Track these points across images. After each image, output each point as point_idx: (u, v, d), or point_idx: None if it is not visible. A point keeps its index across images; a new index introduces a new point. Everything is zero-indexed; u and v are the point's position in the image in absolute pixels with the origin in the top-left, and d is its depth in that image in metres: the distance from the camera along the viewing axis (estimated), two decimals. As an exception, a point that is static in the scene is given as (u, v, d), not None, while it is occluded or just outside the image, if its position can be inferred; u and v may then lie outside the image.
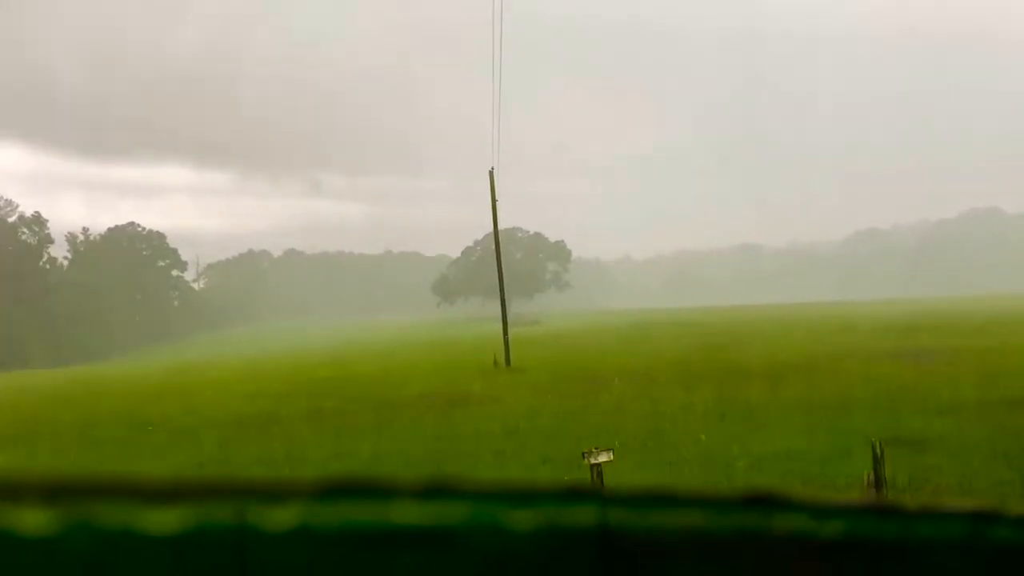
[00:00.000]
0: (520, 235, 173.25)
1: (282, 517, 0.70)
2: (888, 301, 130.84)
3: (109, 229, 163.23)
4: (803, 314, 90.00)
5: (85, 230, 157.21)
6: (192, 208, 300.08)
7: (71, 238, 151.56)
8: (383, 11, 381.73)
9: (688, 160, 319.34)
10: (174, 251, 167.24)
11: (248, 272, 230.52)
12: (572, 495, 0.71)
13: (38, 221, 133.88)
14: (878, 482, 8.45)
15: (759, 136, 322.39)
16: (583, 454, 8.28)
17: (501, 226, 41.73)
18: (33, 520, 0.69)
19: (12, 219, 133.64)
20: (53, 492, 0.70)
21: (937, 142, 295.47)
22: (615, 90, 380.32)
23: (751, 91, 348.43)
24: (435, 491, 0.70)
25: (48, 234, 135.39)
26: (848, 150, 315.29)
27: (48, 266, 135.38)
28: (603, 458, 8.10)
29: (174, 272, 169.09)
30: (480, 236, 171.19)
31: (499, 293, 41.55)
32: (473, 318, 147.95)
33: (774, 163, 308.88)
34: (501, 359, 37.64)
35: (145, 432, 21.27)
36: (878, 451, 8.45)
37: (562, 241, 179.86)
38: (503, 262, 42.07)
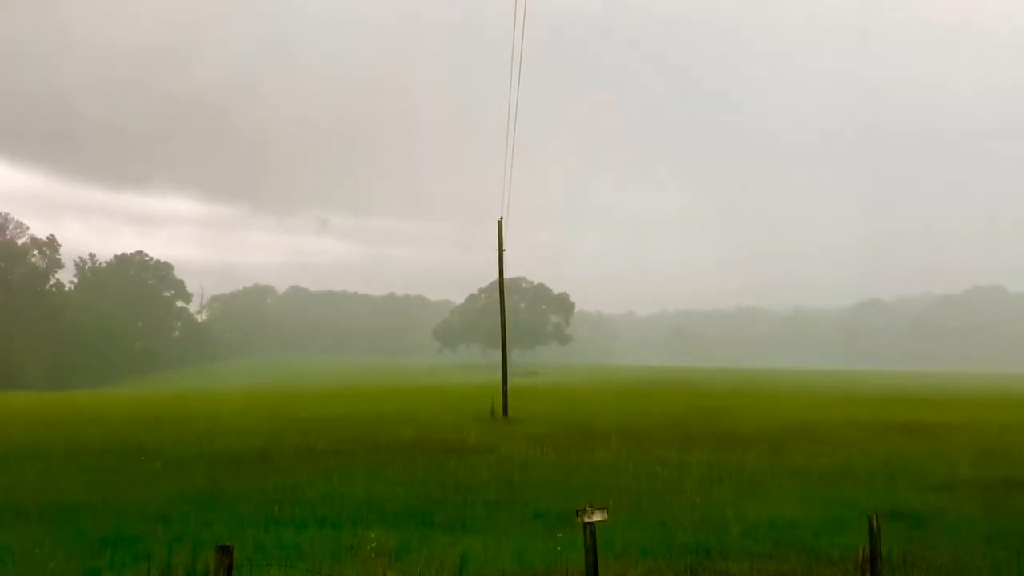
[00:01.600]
0: (524, 285, 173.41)
1: None
2: (889, 372, 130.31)
3: (116, 256, 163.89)
4: (804, 380, 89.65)
5: (92, 256, 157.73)
6: (201, 240, 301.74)
7: (79, 263, 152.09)
8: (397, 57, 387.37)
9: (696, 221, 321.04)
10: (180, 282, 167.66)
11: (252, 306, 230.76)
12: None
13: (51, 245, 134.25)
14: (874, 557, 8.34)
15: (767, 202, 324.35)
16: (577, 512, 8.18)
17: (506, 275, 41.83)
18: None
19: (22, 240, 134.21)
20: None
21: (945, 219, 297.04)
22: (624, 148, 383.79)
23: (762, 166, 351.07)
24: None
25: (58, 258, 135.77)
26: (856, 221, 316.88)
27: (54, 289, 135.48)
28: (597, 517, 8.00)
29: (178, 303, 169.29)
30: (484, 283, 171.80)
31: (501, 342, 41.50)
32: (473, 365, 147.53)
33: (782, 229, 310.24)
34: (499, 408, 37.47)
35: (136, 461, 21.11)
36: (875, 525, 8.35)
37: (566, 293, 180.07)
38: (506, 311, 42.07)
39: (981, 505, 15.61)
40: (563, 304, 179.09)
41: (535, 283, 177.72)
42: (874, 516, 8.56)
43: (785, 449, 23.91)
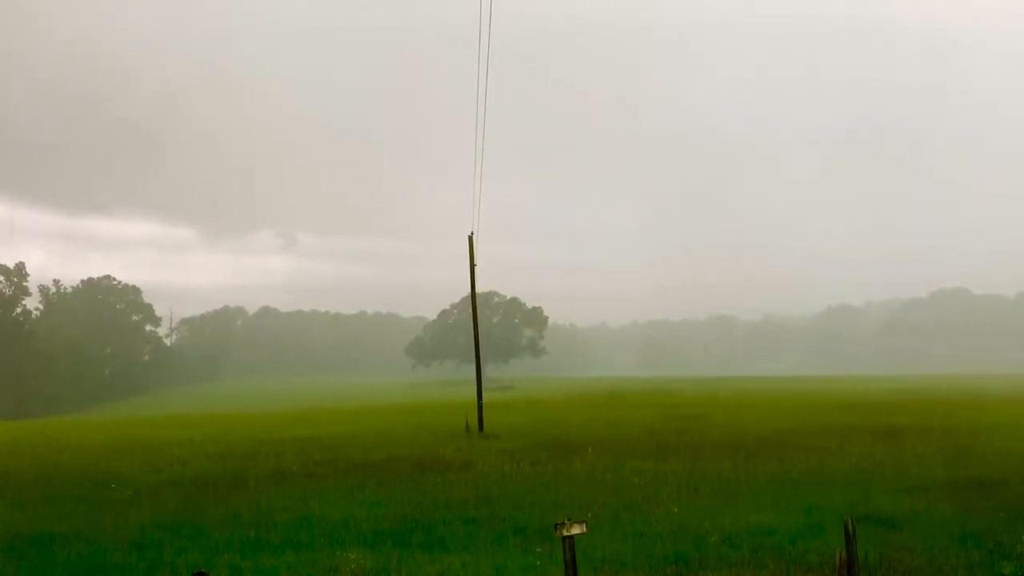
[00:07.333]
0: (497, 300, 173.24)
1: None
2: (859, 377, 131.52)
3: (83, 281, 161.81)
4: (776, 388, 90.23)
5: (57, 282, 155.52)
6: (169, 262, 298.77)
7: (43, 289, 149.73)
8: (363, 74, 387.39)
9: (663, 232, 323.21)
10: (148, 306, 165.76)
11: (222, 328, 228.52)
12: None
13: (18, 272, 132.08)
14: (851, 562, 8.42)
15: (736, 210, 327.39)
16: (555, 526, 8.19)
17: (478, 290, 41.78)
18: None
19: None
20: None
21: (909, 224, 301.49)
22: (595, 161, 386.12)
23: (730, 167, 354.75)
24: None
25: (26, 285, 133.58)
26: (824, 227, 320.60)
27: (21, 317, 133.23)
28: (576, 530, 8.01)
29: (147, 327, 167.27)
30: (456, 299, 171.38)
31: (475, 357, 41.42)
32: (447, 381, 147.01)
33: (750, 237, 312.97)
34: (474, 424, 37.34)
35: (107, 489, 20.82)
36: (850, 530, 8.43)
37: (539, 308, 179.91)
38: (479, 326, 42.00)
39: (955, 506, 15.80)
40: (536, 317, 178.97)
41: (508, 297, 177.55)
42: (850, 520, 8.64)
43: (760, 456, 24.05)
